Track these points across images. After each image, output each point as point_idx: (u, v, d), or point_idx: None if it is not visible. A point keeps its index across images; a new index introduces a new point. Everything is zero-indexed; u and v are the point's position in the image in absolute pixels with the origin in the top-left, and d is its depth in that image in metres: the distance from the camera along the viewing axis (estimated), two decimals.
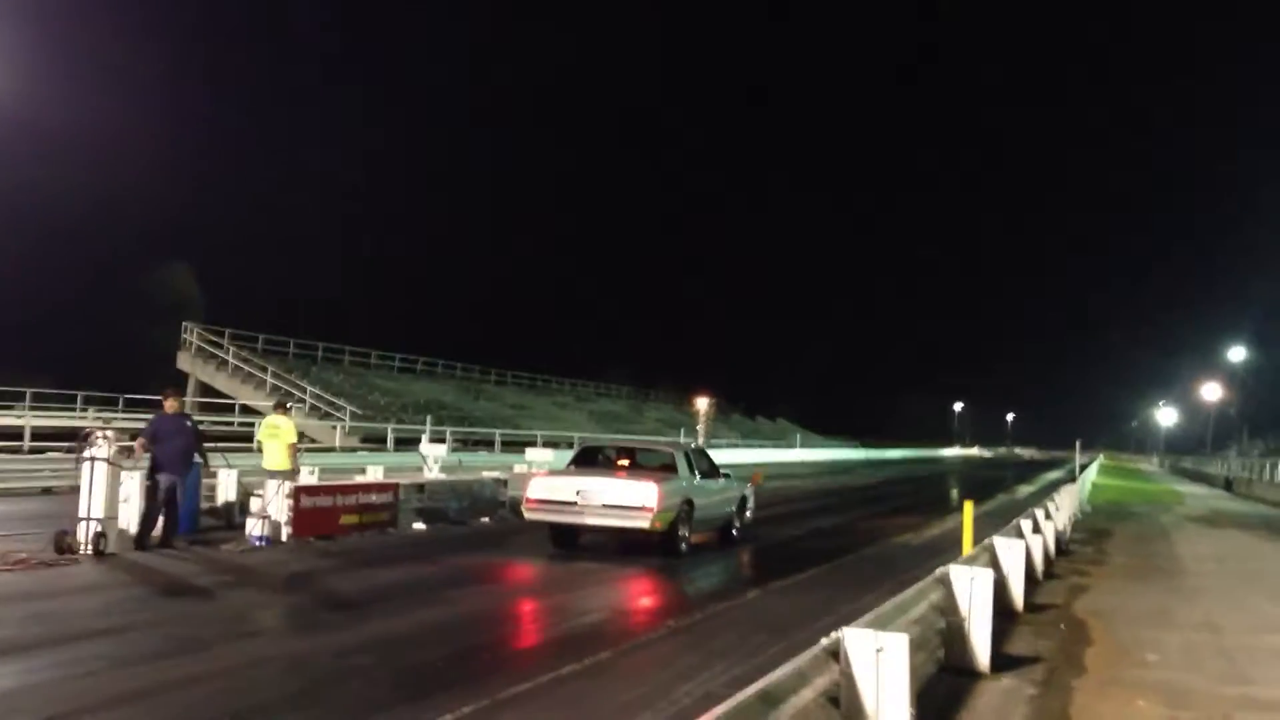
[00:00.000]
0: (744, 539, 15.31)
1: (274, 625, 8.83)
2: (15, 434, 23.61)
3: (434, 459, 18.77)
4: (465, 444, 32.04)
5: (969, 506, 12.17)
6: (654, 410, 65.48)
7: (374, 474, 17.08)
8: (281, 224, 72.68)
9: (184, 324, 37.58)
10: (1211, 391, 68.16)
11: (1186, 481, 52.78)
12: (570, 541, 13.48)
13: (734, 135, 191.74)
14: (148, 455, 11.93)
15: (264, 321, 39.49)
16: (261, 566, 11.13)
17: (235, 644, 7.67)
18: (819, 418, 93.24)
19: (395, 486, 15.19)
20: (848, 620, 5.21)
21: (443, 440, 24.66)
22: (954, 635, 7.06)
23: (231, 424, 29.58)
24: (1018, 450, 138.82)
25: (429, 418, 30.69)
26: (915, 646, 5.96)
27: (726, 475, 15.42)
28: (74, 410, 28.66)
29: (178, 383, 36.16)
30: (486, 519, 16.55)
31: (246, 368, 36.30)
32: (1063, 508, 16.15)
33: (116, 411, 28.27)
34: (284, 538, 12.66)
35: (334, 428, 32.60)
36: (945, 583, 7.13)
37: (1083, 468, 37.22)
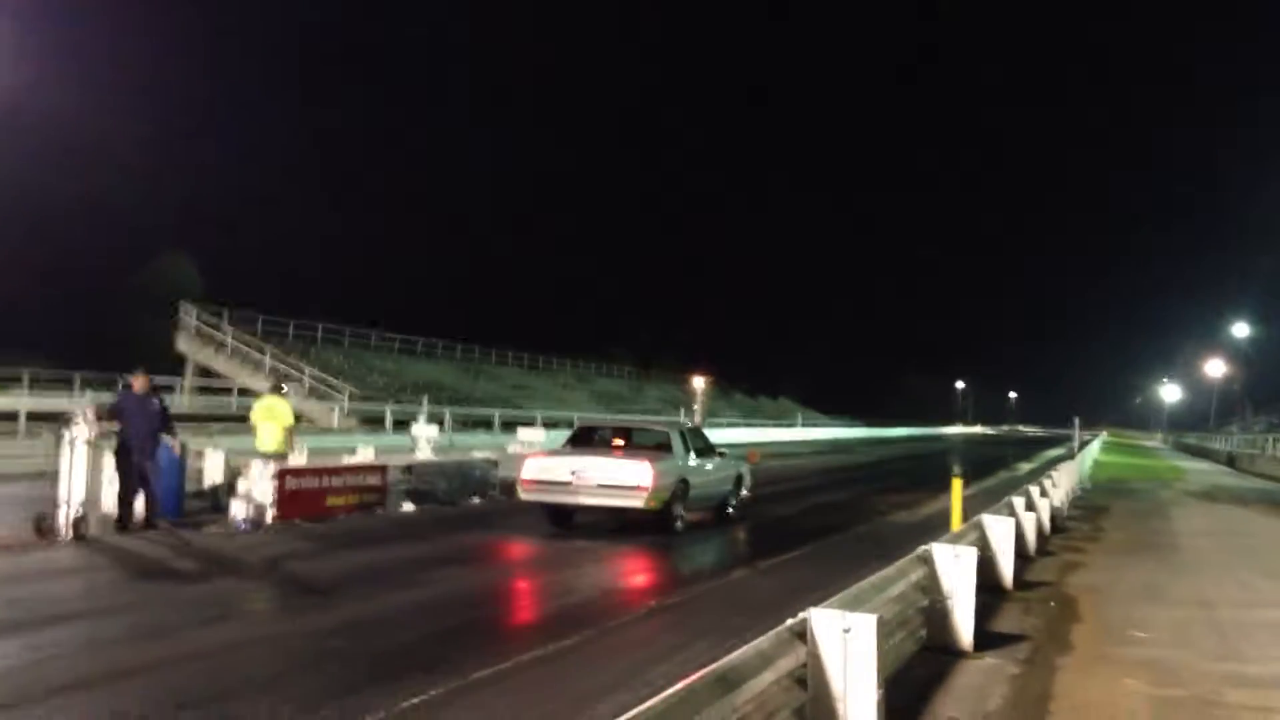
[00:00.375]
0: (740, 517, 15.21)
1: (251, 608, 8.70)
2: (11, 415, 23.57)
3: (425, 440, 18.65)
4: (465, 425, 31.90)
5: (957, 484, 12.07)
6: (655, 389, 65.37)
7: (363, 455, 16.97)
8: (283, 212, 72.65)
9: (181, 304, 37.34)
10: (1215, 368, 67.85)
11: (1189, 458, 52.58)
12: (566, 521, 13.40)
13: (734, 135, 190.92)
14: (115, 434, 11.72)
15: (264, 302, 39.24)
16: (243, 549, 11.00)
17: (211, 627, 7.57)
18: (821, 397, 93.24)
19: (384, 468, 15.07)
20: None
21: (441, 421, 24.55)
22: (936, 614, 6.92)
23: (230, 405, 29.50)
24: (1020, 428, 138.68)
25: (424, 398, 30.56)
26: (895, 625, 5.84)
27: (723, 454, 15.31)
28: (71, 393, 28.56)
29: (177, 365, 36.51)
30: (477, 499, 16.44)
31: (245, 349, 36.16)
32: (1060, 484, 16.02)
33: (114, 394, 28.13)
34: (269, 520, 12.53)
35: (332, 409, 32.45)
36: (928, 560, 6.99)
37: (1084, 445, 37.04)
